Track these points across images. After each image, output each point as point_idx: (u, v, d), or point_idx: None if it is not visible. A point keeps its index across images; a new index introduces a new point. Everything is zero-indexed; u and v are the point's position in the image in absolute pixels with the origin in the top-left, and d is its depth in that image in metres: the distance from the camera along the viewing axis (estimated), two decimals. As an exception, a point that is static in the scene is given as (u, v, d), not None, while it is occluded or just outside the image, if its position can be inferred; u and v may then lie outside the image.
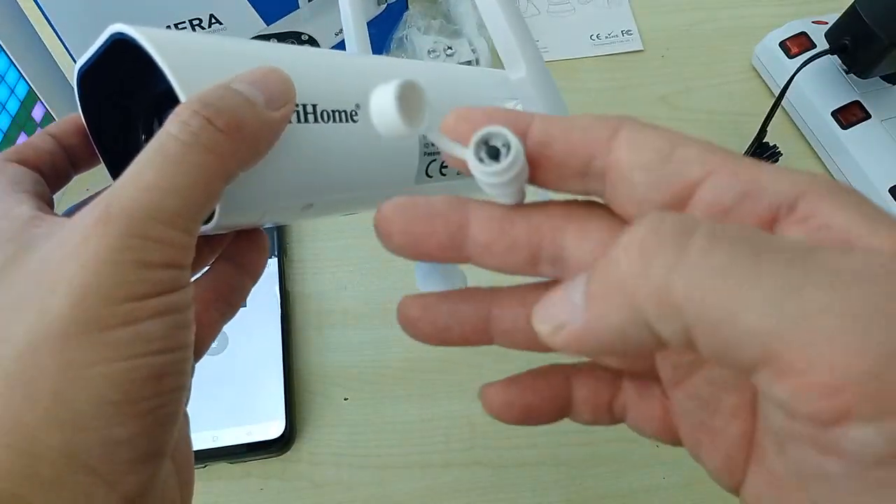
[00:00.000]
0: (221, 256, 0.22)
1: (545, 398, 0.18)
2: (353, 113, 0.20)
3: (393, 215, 0.16)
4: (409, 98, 0.15)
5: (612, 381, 0.19)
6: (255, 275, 0.23)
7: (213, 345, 0.39)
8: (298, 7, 0.43)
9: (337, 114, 0.20)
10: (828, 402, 0.11)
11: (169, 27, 0.40)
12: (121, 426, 0.15)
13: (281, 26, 0.44)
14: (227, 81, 0.17)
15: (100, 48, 0.18)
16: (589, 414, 0.19)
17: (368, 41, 0.30)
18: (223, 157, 0.16)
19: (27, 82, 0.42)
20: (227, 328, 0.42)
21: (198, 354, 0.22)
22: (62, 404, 0.14)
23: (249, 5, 0.41)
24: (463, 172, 0.16)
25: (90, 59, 0.18)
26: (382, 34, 0.51)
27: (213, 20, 0.41)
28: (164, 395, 0.15)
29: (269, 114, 0.17)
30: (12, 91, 0.41)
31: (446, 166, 0.24)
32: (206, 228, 0.18)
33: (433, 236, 0.16)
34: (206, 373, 0.39)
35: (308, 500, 0.37)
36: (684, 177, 0.14)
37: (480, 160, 0.15)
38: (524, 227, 0.16)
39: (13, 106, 0.42)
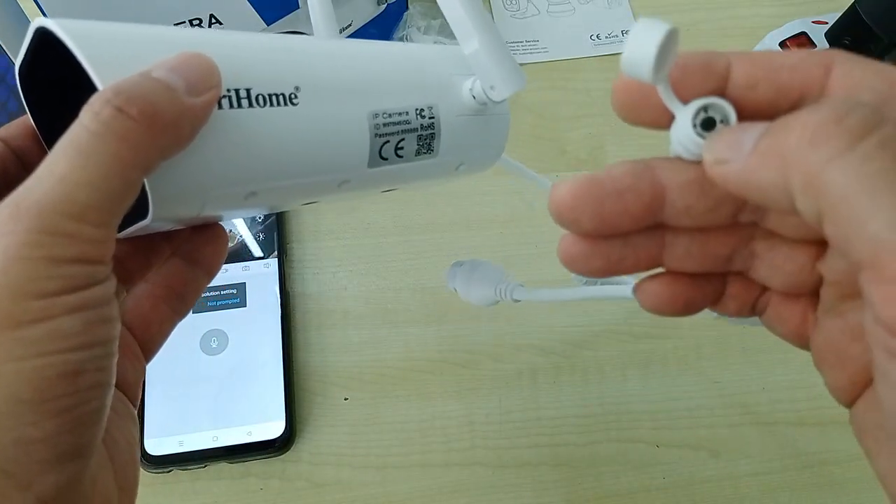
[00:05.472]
0: (175, 252, 0.22)
1: (706, 292, 0.19)
2: (293, 96, 0.19)
3: (577, 201, 0.16)
4: (668, 46, 0.14)
5: (762, 286, 0.20)
6: (211, 271, 0.22)
7: (213, 345, 0.40)
8: (298, 7, 0.43)
9: (274, 97, 0.19)
10: None
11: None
12: (34, 425, 0.14)
13: (281, 26, 0.44)
14: (147, 69, 0.16)
15: (29, 46, 0.17)
16: (734, 308, 0.20)
17: (336, 26, 0.28)
18: (138, 146, 0.15)
19: (27, 82, 0.42)
20: (227, 328, 0.42)
21: (150, 352, 0.21)
22: None
23: (249, 5, 0.41)
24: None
25: (24, 57, 0.18)
26: (382, 34, 0.51)
27: (213, 20, 0.41)
28: (81, 393, 0.15)
29: (190, 100, 0.16)
30: (12, 91, 0.41)
31: (402, 148, 0.23)
32: (143, 223, 0.17)
33: (626, 213, 0.17)
34: (206, 373, 0.39)
35: (308, 500, 0.37)
36: None
37: (694, 126, 0.15)
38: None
39: (13, 106, 0.42)
